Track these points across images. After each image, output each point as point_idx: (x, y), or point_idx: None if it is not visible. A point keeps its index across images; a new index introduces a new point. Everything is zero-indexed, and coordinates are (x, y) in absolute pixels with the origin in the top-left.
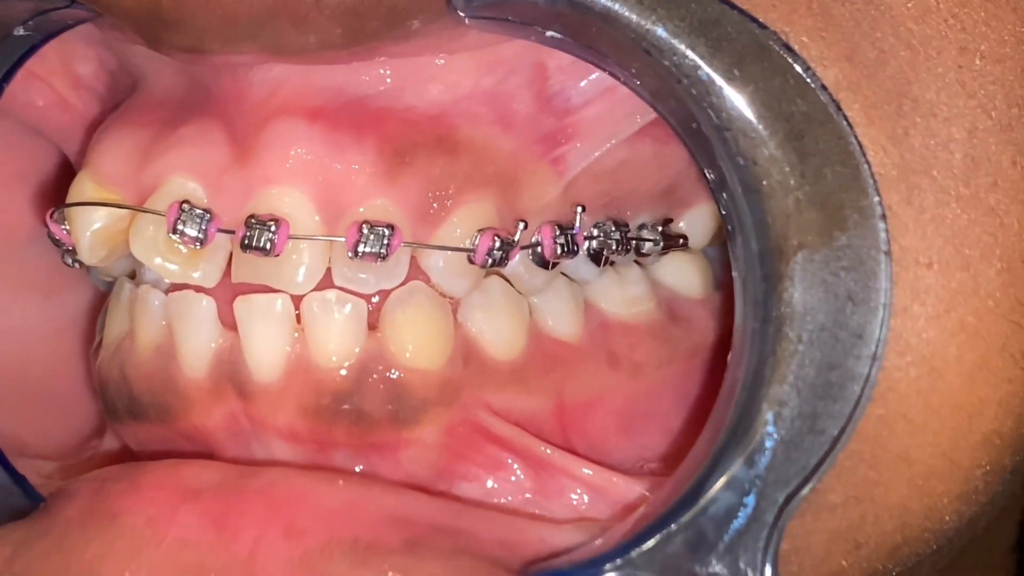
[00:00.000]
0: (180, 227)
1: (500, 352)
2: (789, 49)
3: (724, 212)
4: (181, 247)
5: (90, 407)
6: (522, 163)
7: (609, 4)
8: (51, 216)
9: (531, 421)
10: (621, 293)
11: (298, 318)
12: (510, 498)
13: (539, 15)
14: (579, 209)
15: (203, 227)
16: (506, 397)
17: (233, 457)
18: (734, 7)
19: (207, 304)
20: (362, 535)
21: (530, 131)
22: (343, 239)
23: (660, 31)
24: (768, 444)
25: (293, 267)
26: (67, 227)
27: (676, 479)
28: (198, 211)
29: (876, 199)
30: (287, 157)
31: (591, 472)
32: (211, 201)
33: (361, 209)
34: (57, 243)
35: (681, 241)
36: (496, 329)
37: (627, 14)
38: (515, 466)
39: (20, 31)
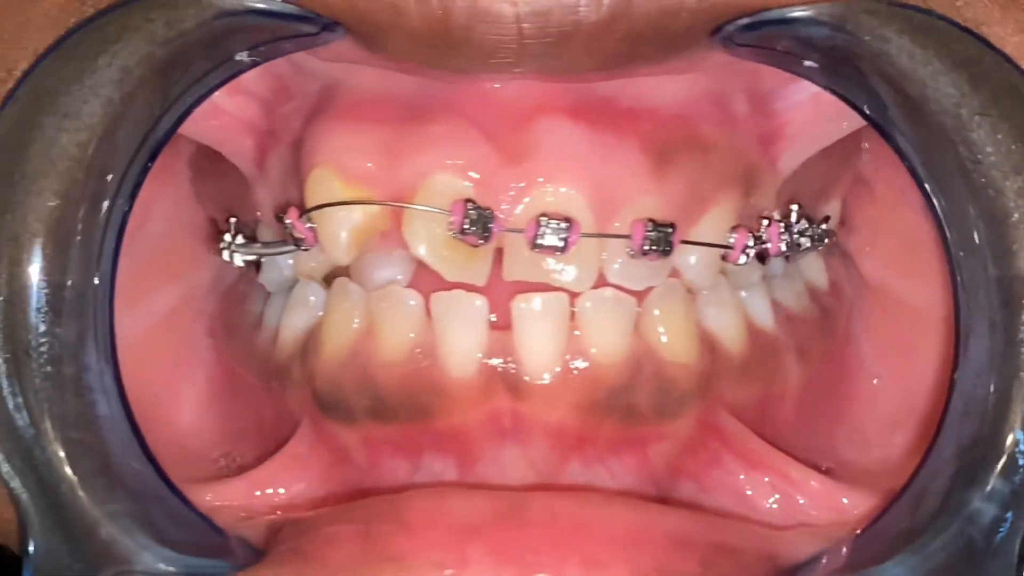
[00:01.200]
0: (466, 226)
1: (734, 345)
2: None
3: (950, 233)
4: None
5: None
6: (754, 162)
7: (883, 46)
8: (300, 215)
9: (740, 413)
10: (791, 288)
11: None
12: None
13: (806, 47)
14: (795, 207)
15: (488, 226)
16: (733, 390)
17: (478, 455)
18: (992, 47)
19: (480, 303)
20: (661, 562)
21: (751, 131)
22: (628, 237)
23: (926, 70)
24: (1021, 461)
25: (574, 265)
26: (312, 225)
27: (914, 492)
28: (483, 210)
29: None
30: (561, 156)
31: (801, 473)
32: (480, 199)
33: (631, 207)
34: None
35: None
36: (728, 324)
37: (897, 54)
38: (732, 463)
39: (243, 56)
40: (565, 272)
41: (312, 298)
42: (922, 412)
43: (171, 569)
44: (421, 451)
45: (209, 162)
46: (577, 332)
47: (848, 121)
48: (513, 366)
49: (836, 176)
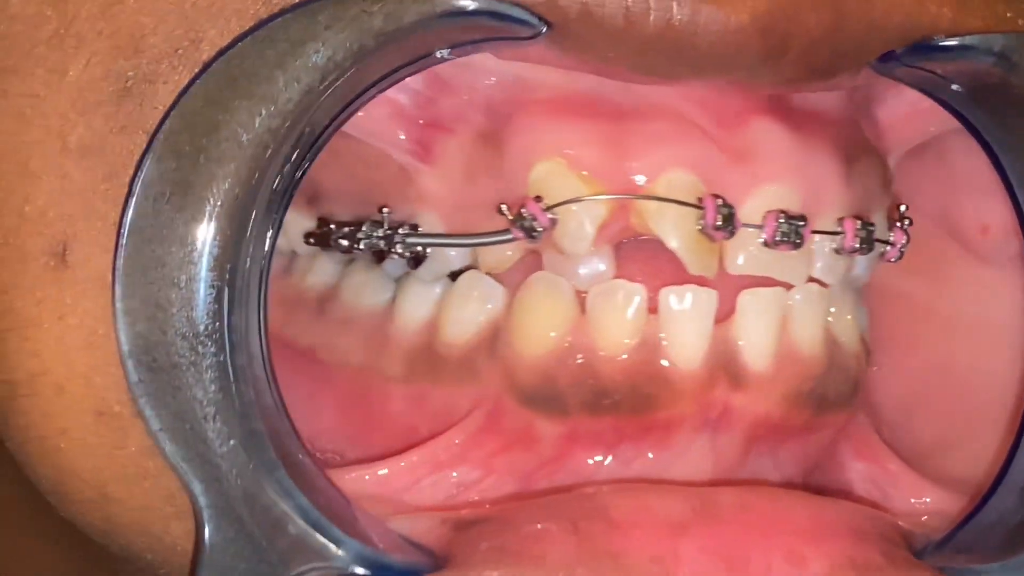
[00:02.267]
0: (718, 223)
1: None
2: None
3: None
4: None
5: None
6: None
7: None
8: (547, 208)
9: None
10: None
11: None
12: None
13: (964, 73)
14: (903, 207)
15: (732, 222)
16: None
17: (672, 445)
18: None
19: (713, 298)
20: (851, 554)
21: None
22: (840, 234)
23: None
24: None
25: (793, 260)
26: (554, 216)
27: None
28: (729, 208)
29: None
30: (778, 156)
31: (898, 466)
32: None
33: (834, 207)
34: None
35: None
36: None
37: None
38: (847, 453)
39: (444, 53)
40: (784, 267)
41: (488, 289)
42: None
43: (360, 571)
44: (619, 442)
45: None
46: (788, 324)
47: (934, 126)
48: (735, 357)
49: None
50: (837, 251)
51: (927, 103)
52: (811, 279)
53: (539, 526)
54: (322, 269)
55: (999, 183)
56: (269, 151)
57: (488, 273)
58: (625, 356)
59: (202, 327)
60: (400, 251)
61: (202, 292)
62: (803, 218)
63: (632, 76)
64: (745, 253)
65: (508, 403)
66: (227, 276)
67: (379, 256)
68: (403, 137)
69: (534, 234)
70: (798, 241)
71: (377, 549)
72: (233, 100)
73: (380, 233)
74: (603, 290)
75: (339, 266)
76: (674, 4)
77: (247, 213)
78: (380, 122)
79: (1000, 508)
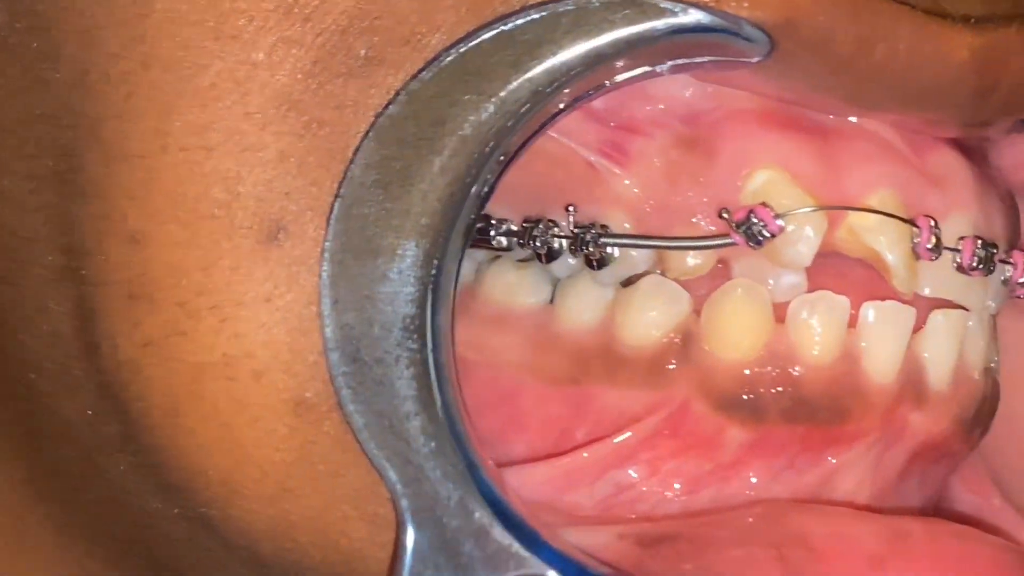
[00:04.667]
0: (929, 244)
1: None
2: None
3: None
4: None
5: None
6: None
7: None
8: (777, 216)
9: None
10: None
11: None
12: None
13: None
14: None
15: (940, 245)
16: None
17: (847, 461)
18: None
19: (912, 315)
20: None
21: None
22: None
23: None
24: None
25: (975, 286)
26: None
27: None
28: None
29: None
30: (965, 186)
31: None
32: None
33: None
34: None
35: None
36: None
37: None
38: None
39: (663, 68)
40: (970, 290)
41: (674, 293)
42: None
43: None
44: (801, 453)
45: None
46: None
47: None
48: (922, 375)
49: None
50: (1004, 282)
51: None
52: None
53: (744, 551)
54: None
55: None
56: (488, 149)
57: (682, 276)
58: (826, 367)
59: (409, 322)
60: (591, 251)
61: (412, 286)
62: (995, 246)
63: (838, 106)
64: (937, 275)
65: (698, 408)
66: (434, 272)
67: (550, 255)
68: (594, 137)
69: (758, 240)
70: (991, 268)
71: (581, 561)
72: (463, 94)
73: (560, 232)
74: (808, 300)
75: (476, 264)
76: (901, 37)
77: (458, 210)
78: (572, 119)
79: None
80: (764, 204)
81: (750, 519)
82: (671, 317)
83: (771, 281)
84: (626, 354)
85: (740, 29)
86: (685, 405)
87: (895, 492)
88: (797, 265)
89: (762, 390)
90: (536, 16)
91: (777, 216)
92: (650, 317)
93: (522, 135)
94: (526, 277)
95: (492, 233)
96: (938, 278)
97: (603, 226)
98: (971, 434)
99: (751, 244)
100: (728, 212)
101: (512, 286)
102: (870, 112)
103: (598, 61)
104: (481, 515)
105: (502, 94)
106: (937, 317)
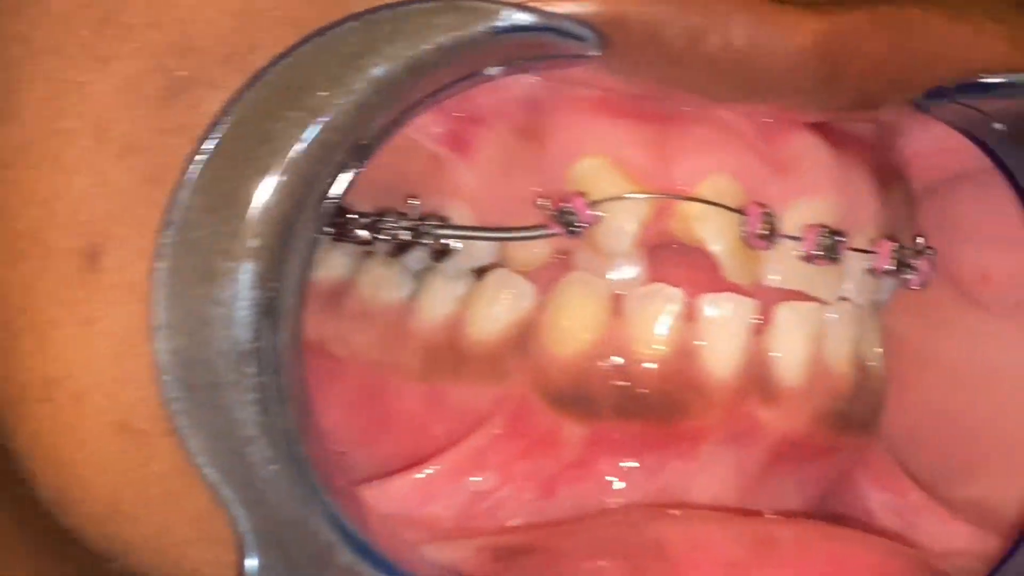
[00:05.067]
0: (761, 232)
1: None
2: None
3: None
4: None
5: None
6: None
7: None
8: (592, 204)
9: None
10: None
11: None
12: None
13: (1012, 111)
14: (921, 240)
15: (773, 233)
16: None
17: (697, 458)
18: None
19: (751, 307)
20: None
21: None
22: (875, 252)
23: None
24: None
25: (829, 275)
26: (598, 213)
27: None
28: (771, 216)
29: None
30: (820, 171)
31: (921, 498)
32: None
33: (871, 225)
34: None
35: None
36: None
37: None
38: (864, 481)
39: (494, 71)
40: (818, 283)
41: (518, 286)
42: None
43: None
44: (644, 450)
45: None
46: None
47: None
48: (769, 371)
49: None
50: (871, 271)
51: (952, 141)
52: (842, 298)
53: (597, 562)
54: (336, 262)
55: (1002, 230)
56: (319, 165)
57: (516, 271)
58: (660, 361)
59: (245, 346)
60: (427, 242)
61: (246, 309)
62: (843, 234)
63: (684, 97)
64: (781, 265)
65: (535, 404)
66: (271, 293)
67: (400, 248)
68: (437, 128)
69: (574, 229)
70: (835, 256)
71: None
72: (287, 111)
73: (406, 224)
74: (642, 293)
75: (353, 259)
76: (736, 25)
77: (292, 228)
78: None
79: None
80: (579, 193)
81: (609, 527)
82: (512, 311)
83: (611, 275)
84: (469, 349)
85: (565, 27)
86: (523, 402)
87: (767, 493)
88: (616, 254)
89: (595, 385)
90: (355, 25)
91: (592, 204)
92: (492, 311)
93: (359, 145)
94: (391, 272)
95: (348, 227)
96: (788, 268)
97: (441, 217)
98: (845, 431)
99: (567, 234)
100: (545, 201)
101: (377, 281)
102: (720, 103)
103: (421, 69)
104: (326, 537)
105: (327, 108)
106: (782, 310)
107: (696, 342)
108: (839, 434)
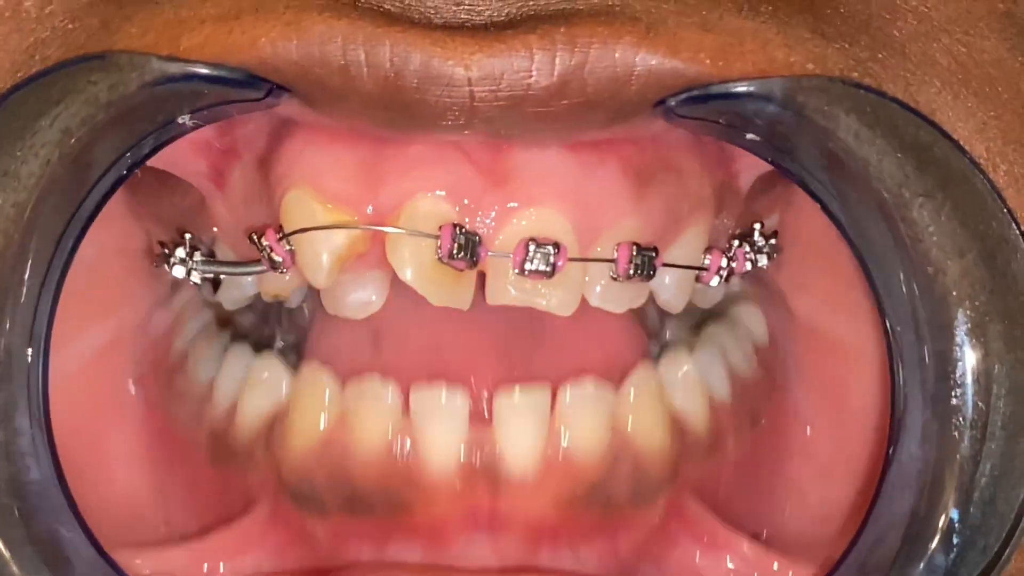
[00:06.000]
0: (455, 252)
1: (700, 425)
2: (986, 177)
3: (889, 311)
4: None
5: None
6: (721, 181)
7: (829, 123)
8: (280, 238)
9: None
10: (739, 348)
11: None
12: None
13: (749, 121)
14: (757, 226)
15: (476, 251)
16: (696, 470)
17: (449, 544)
18: (942, 132)
19: (461, 401)
20: None
21: (716, 151)
22: (613, 261)
23: (871, 149)
24: (955, 540)
25: (559, 288)
26: (290, 247)
27: (852, 564)
28: (471, 235)
29: None
30: (544, 178)
31: (755, 551)
32: (464, 221)
33: (614, 229)
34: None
35: None
36: (695, 404)
37: (844, 133)
38: (690, 544)
39: (186, 120)
40: (549, 295)
41: (275, 376)
42: (858, 460)
43: None
44: (390, 540)
45: (151, 176)
46: (558, 427)
47: None
48: (494, 461)
49: (779, 194)
50: (614, 278)
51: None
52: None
53: None
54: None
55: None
56: (17, 226)
57: (274, 298)
58: (377, 457)
59: None
60: (196, 278)
61: None
62: (555, 245)
63: (386, 131)
64: (502, 282)
65: (281, 497)
66: None
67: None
68: (201, 162)
69: (276, 265)
70: (548, 270)
71: None
72: None
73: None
74: (357, 391)
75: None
76: (387, 60)
77: (3, 291)
78: (180, 151)
79: None
80: (272, 226)
81: None
82: (266, 401)
83: (352, 301)
84: (239, 443)
85: (212, 75)
86: (275, 496)
87: (540, 562)
88: (319, 285)
89: (319, 483)
90: (26, 90)
91: (282, 238)
92: (249, 403)
93: (71, 200)
94: (209, 350)
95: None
96: (504, 287)
97: (211, 251)
98: (611, 509)
99: (272, 269)
100: (254, 236)
101: (199, 360)
102: (420, 133)
103: (95, 124)
104: None
105: (13, 170)
106: (501, 401)
107: (411, 436)
108: (605, 515)
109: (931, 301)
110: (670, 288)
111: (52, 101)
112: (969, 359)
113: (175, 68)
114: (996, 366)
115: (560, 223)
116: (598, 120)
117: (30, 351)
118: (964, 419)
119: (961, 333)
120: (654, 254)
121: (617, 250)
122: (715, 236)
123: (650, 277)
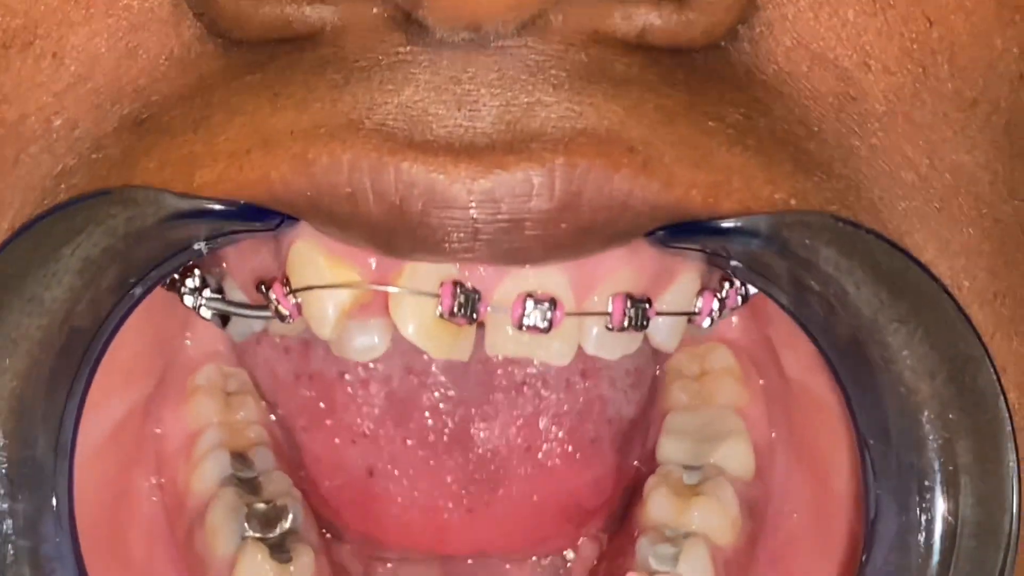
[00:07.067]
0: (455, 309)
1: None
2: (953, 300)
3: (864, 430)
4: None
5: None
6: None
7: (810, 256)
8: (288, 293)
9: None
10: None
11: None
12: None
13: (734, 252)
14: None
15: (476, 308)
16: None
17: None
18: (913, 259)
19: None
20: None
21: None
22: (608, 314)
23: (850, 279)
24: None
25: (556, 340)
26: (297, 300)
27: None
28: (470, 292)
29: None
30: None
31: None
32: (463, 277)
33: (609, 281)
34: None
35: None
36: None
37: (824, 264)
38: None
39: (201, 246)
40: (547, 347)
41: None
42: (839, 541)
43: None
44: None
45: None
46: None
47: None
48: None
49: None
50: (609, 328)
51: None
52: None
53: None
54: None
55: None
56: (42, 346)
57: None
58: None
59: None
60: (206, 312)
61: None
62: (552, 301)
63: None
64: (500, 335)
65: None
66: (9, 465)
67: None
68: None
69: (282, 316)
70: (545, 326)
71: None
72: (4, 297)
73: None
74: None
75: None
76: (392, 186)
77: (30, 405)
78: None
79: None
80: (282, 279)
81: None
82: None
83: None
84: None
85: (219, 211)
86: None
87: None
88: (324, 337)
89: None
90: (52, 219)
91: (290, 292)
92: None
93: (92, 322)
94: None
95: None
96: (503, 341)
97: (219, 287)
98: None
99: (279, 319)
100: (262, 287)
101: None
102: (424, 259)
103: (115, 253)
104: None
105: (38, 294)
106: None
107: None
108: None
109: (903, 417)
110: (663, 330)
111: (75, 231)
112: (939, 471)
113: (188, 204)
114: (964, 478)
115: (556, 277)
116: (595, 245)
117: (56, 461)
118: (934, 529)
119: (932, 448)
120: (647, 305)
121: (612, 302)
122: (707, 278)
123: (643, 327)
